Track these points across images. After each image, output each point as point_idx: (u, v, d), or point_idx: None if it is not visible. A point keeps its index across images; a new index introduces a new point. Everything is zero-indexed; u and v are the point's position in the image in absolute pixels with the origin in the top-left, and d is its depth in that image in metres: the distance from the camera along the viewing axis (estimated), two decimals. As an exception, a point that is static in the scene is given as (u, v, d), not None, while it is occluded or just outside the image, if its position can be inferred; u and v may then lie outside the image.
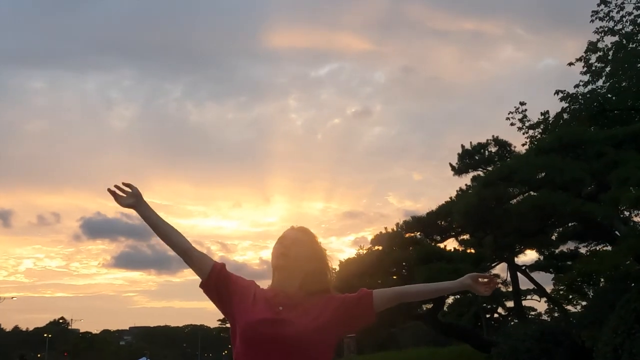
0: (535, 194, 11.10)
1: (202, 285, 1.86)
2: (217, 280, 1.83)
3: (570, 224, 14.73)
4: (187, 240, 1.88)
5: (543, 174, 11.39)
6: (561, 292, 20.78)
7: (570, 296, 25.35)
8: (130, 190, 1.89)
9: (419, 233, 13.82)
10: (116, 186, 1.88)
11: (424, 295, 1.95)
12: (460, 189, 19.62)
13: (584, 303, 23.33)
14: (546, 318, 24.61)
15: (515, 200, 11.21)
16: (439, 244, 14.13)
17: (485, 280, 1.83)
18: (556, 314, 29.10)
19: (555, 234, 15.66)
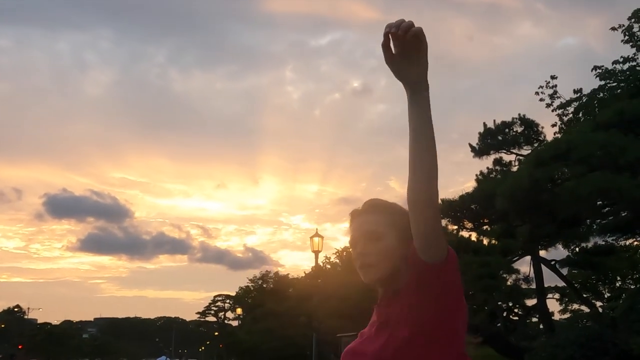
0: (593, 175, 10.24)
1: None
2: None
3: (613, 215, 13.99)
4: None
5: (603, 154, 10.54)
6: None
7: (585, 294, 24.96)
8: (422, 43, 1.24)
9: (447, 220, 12.84)
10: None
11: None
12: (481, 173, 18.80)
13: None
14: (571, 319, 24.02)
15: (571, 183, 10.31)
16: (467, 232, 13.25)
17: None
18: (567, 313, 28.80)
19: (597, 225, 14.90)
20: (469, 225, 13.43)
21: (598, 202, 10.29)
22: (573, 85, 19.07)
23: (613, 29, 18.51)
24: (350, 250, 1.60)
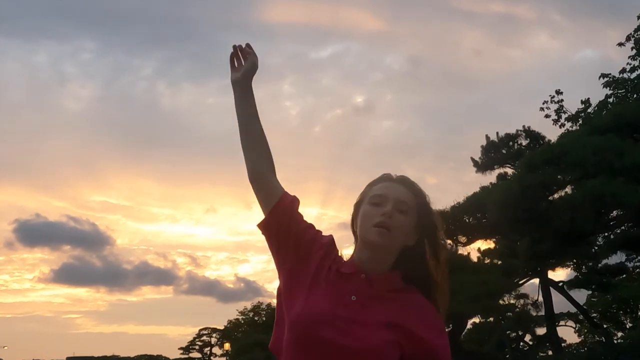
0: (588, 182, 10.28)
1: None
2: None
3: (622, 227, 13.95)
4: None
5: (598, 158, 10.60)
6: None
7: (605, 325, 24.64)
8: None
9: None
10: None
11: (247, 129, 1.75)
12: (482, 188, 18.87)
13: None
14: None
15: (565, 191, 10.37)
16: (463, 248, 13.25)
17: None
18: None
19: (601, 240, 14.87)
20: (463, 239, 13.42)
21: (595, 210, 10.28)
22: (592, 101, 19.10)
23: (620, 44, 18.78)
24: (367, 205, 1.59)
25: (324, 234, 1.64)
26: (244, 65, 1.74)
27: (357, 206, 1.63)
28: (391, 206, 1.54)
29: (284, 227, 1.59)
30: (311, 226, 1.63)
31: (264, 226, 1.63)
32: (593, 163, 10.18)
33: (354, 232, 1.64)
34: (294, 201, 1.64)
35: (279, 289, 1.61)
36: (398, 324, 1.48)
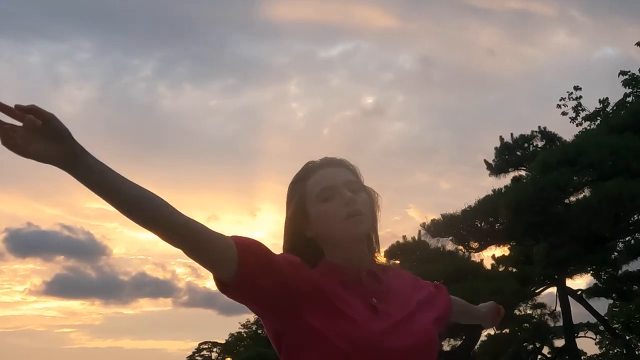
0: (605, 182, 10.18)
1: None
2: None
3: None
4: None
5: (616, 159, 10.51)
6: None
7: (627, 336, 24.36)
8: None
9: (450, 239, 12.79)
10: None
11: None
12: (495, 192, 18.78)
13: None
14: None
15: (581, 193, 10.28)
16: (474, 254, 13.18)
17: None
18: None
19: (621, 246, 14.72)
20: (475, 245, 13.32)
21: (613, 214, 10.18)
22: (611, 100, 18.99)
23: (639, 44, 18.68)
24: (318, 204, 1.46)
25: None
26: (30, 130, 1.12)
27: (299, 214, 1.48)
28: (347, 191, 1.45)
29: (261, 282, 1.32)
30: (280, 255, 1.42)
31: (233, 293, 1.33)
32: (610, 164, 10.10)
33: (299, 243, 1.47)
34: (255, 245, 1.35)
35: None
36: (420, 299, 1.52)
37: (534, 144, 19.02)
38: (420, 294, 1.55)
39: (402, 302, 1.47)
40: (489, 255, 16.06)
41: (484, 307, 1.93)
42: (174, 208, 1.26)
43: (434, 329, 1.48)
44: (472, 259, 14.64)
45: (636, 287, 17.55)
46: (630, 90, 18.49)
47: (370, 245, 1.53)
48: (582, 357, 23.45)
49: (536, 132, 19.06)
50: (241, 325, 50.77)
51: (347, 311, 1.37)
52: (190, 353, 62.74)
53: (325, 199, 1.45)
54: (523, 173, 18.90)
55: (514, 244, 15.96)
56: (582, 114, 19.65)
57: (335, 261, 1.45)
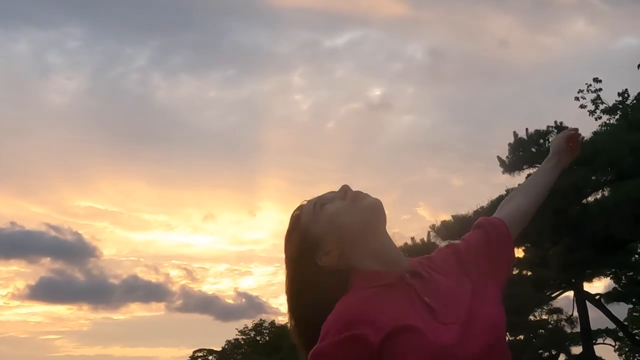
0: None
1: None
2: None
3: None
4: None
5: (635, 157, 10.34)
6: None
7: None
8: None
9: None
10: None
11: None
12: (508, 191, 18.65)
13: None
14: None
15: (600, 193, 10.11)
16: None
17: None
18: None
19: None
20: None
21: (633, 215, 10.00)
22: (633, 90, 18.83)
23: None
24: (318, 216, 1.45)
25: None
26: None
27: (306, 241, 1.44)
28: (332, 196, 1.47)
29: None
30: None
31: None
32: (630, 162, 9.93)
33: (318, 280, 1.40)
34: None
35: None
36: (472, 280, 1.43)
37: (550, 140, 18.80)
38: (468, 266, 1.46)
39: (458, 292, 1.38)
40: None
41: (553, 147, 1.84)
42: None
43: (499, 313, 1.37)
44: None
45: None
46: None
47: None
48: (601, 364, 23.28)
49: (552, 127, 18.81)
50: (238, 331, 50.48)
51: (411, 323, 1.27)
52: (183, 360, 62.39)
53: (321, 206, 1.45)
54: (538, 170, 18.78)
55: (529, 246, 15.80)
56: (602, 107, 19.44)
57: (369, 275, 1.36)
